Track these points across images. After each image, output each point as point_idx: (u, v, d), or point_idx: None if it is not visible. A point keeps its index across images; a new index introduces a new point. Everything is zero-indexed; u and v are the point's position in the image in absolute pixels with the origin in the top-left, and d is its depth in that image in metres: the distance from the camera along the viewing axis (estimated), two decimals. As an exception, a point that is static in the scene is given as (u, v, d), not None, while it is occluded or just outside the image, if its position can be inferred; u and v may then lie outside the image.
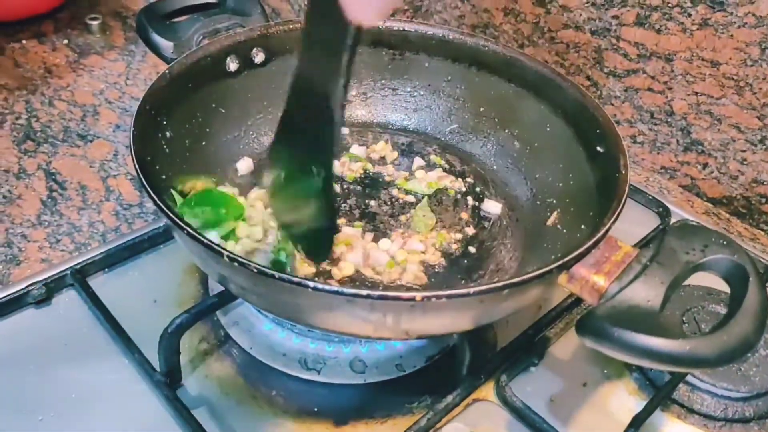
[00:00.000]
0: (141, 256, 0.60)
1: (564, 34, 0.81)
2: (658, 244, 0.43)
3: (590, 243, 0.43)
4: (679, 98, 0.75)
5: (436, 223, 0.59)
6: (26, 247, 0.61)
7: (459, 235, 0.58)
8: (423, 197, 0.61)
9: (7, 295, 0.54)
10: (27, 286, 0.55)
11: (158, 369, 0.49)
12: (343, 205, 0.60)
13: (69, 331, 0.54)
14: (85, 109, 0.79)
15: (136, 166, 0.45)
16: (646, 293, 0.40)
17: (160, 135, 0.52)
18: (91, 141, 0.74)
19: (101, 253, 0.58)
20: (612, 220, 0.44)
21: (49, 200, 0.66)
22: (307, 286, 0.38)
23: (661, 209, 0.71)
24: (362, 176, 0.64)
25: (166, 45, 0.58)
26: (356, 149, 0.66)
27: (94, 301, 0.55)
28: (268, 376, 0.51)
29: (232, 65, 0.60)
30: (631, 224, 0.66)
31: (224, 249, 0.40)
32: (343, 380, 0.51)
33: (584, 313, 0.41)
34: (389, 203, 0.61)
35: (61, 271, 0.56)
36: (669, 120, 0.77)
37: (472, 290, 0.39)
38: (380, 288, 0.52)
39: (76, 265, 0.57)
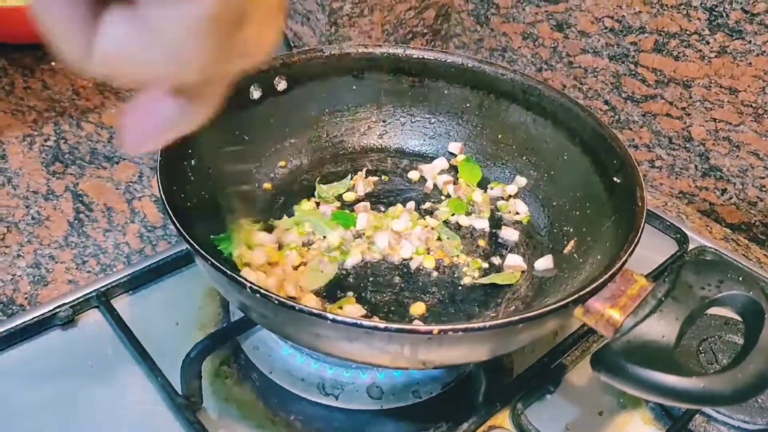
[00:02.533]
0: (164, 278, 0.61)
1: (582, 59, 0.82)
2: (674, 278, 0.44)
3: (606, 277, 0.43)
4: (697, 124, 0.75)
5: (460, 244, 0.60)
6: (54, 268, 0.63)
7: (476, 262, 0.59)
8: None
9: (35, 317, 0.56)
10: (54, 308, 0.56)
11: (180, 392, 0.51)
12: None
13: (93, 352, 0.55)
14: (112, 131, 0.81)
15: (163, 196, 0.47)
16: (661, 329, 0.41)
17: (185, 163, 0.54)
18: (117, 163, 0.76)
19: (126, 276, 0.60)
20: (628, 253, 0.45)
21: (76, 222, 0.68)
22: (326, 318, 0.39)
23: (678, 235, 0.71)
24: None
25: (191, 74, 0.60)
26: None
27: (118, 323, 0.56)
28: (287, 400, 0.52)
29: (256, 93, 0.62)
30: (649, 250, 0.66)
31: (246, 280, 0.41)
32: (361, 406, 0.52)
33: (599, 348, 0.41)
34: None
35: (86, 294, 0.58)
36: (687, 145, 0.77)
37: (487, 324, 0.39)
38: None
39: (101, 287, 0.58)
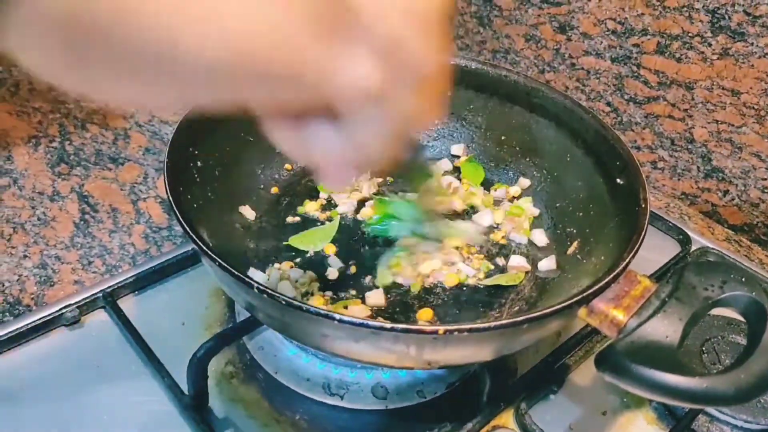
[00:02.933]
0: (169, 279, 0.62)
1: (585, 61, 0.82)
2: (677, 279, 0.44)
3: (609, 278, 0.43)
4: (699, 126, 0.75)
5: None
6: (60, 268, 0.63)
7: (480, 263, 0.59)
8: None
9: (42, 317, 0.56)
10: (61, 308, 0.57)
11: (186, 392, 0.51)
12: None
13: (100, 353, 0.55)
14: (116, 133, 0.81)
15: (170, 197, 0.47)
16: (664, 329, 0.41)
17: (191, 165, 0.54)
18: (122, 164, 0.76)
19: (132, 276, 0.60)
20: (631, 254, 0.45)
21: (82, 222, 0.68)
22: (333, 318, 0.39)
23: (681, 236, 0.71)
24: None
25: (197, 76, 0.60)
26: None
27: (124, 323, 0.56)
28: (293, 400, 0.53)
29: (261, 95, 0.62)
30: (652, 251, 0.66)
31: (253, 280, 0.41)
32: (365, 406, 0.52)
33: (603, 348, 0.42)
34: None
35: (93, 294, 0.58)
36: (689, 147, 0.77)
37: (493, 324, 0.40)
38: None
39: (107, 287, 0.59)
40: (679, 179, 0.80)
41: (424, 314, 0.54)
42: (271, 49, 0.25)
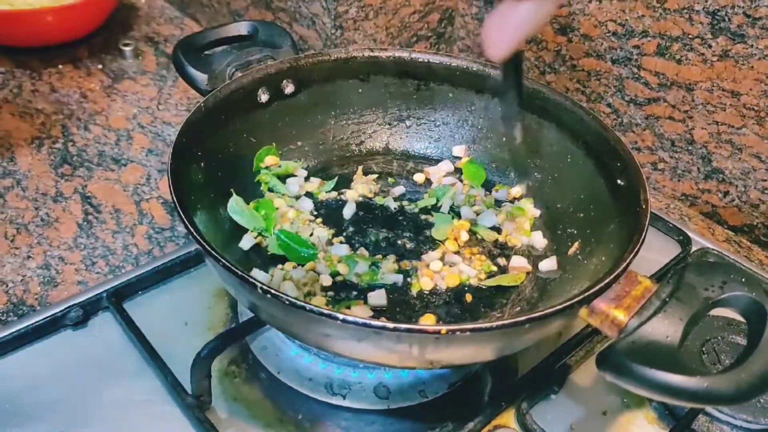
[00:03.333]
0: (172, 279, 0.62)
1: (585, 62, 0.83)
2: (678, 279, 0.44)
3: (611, 278, 0.44)
4: (699, 127, 0.76)
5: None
6: (63, 269, 0.63)
7: (482, 264, 0.60)
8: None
9: (46, 317, 0.56)
10: (65, 309, 0.57)
11: (189, 391, 0.51)
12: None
13: (103, 353, 0.56)
14: (119, 134, 0.81)
15: (174, 198, 0.47)
16: (665, 329, 0.41)
17: (195, 166, 0.55)
18: (124, 165, 0.77)
19: (135, 277, 0.60)
20: (632, 255, 0.45)
21: (85, 223, 0.69)
22: (337, 318, 0.40)
23: (681, 237, 0.72)
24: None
25: (201, 78, 0.61)
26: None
27: (128, 324, 0.57)
28: (295, 400, 0.53)
29: (264, 96, 0.62)
30: (652, 252, 0.67)
31: (257, 280, 0.41)
32: (368, 405, 0.52)
33: (604, 348, 0.42)
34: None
35: (97, 294, 0.58)
36: (690, 148, 0.78)
37: (495, 324, 0.40)
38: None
39: (111, 288, 0.59)
40: (679, 180, 0.80)
41: (427, 320, 0.54)
42: None
